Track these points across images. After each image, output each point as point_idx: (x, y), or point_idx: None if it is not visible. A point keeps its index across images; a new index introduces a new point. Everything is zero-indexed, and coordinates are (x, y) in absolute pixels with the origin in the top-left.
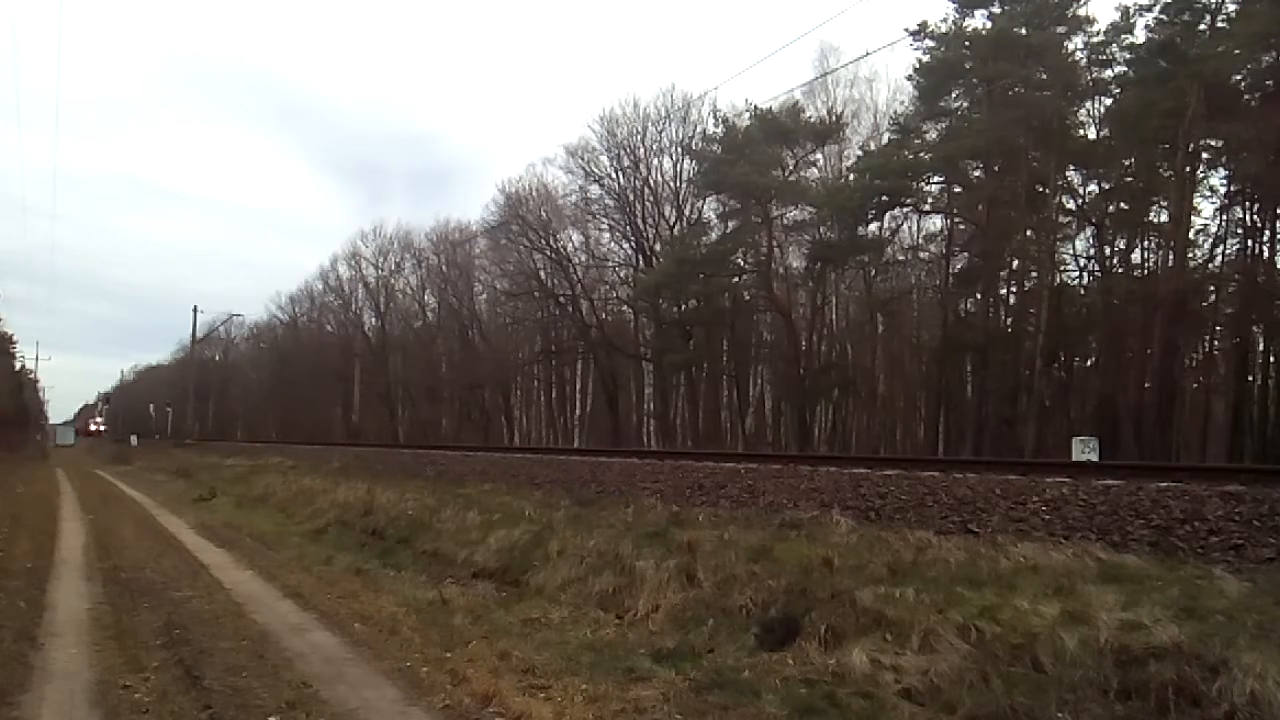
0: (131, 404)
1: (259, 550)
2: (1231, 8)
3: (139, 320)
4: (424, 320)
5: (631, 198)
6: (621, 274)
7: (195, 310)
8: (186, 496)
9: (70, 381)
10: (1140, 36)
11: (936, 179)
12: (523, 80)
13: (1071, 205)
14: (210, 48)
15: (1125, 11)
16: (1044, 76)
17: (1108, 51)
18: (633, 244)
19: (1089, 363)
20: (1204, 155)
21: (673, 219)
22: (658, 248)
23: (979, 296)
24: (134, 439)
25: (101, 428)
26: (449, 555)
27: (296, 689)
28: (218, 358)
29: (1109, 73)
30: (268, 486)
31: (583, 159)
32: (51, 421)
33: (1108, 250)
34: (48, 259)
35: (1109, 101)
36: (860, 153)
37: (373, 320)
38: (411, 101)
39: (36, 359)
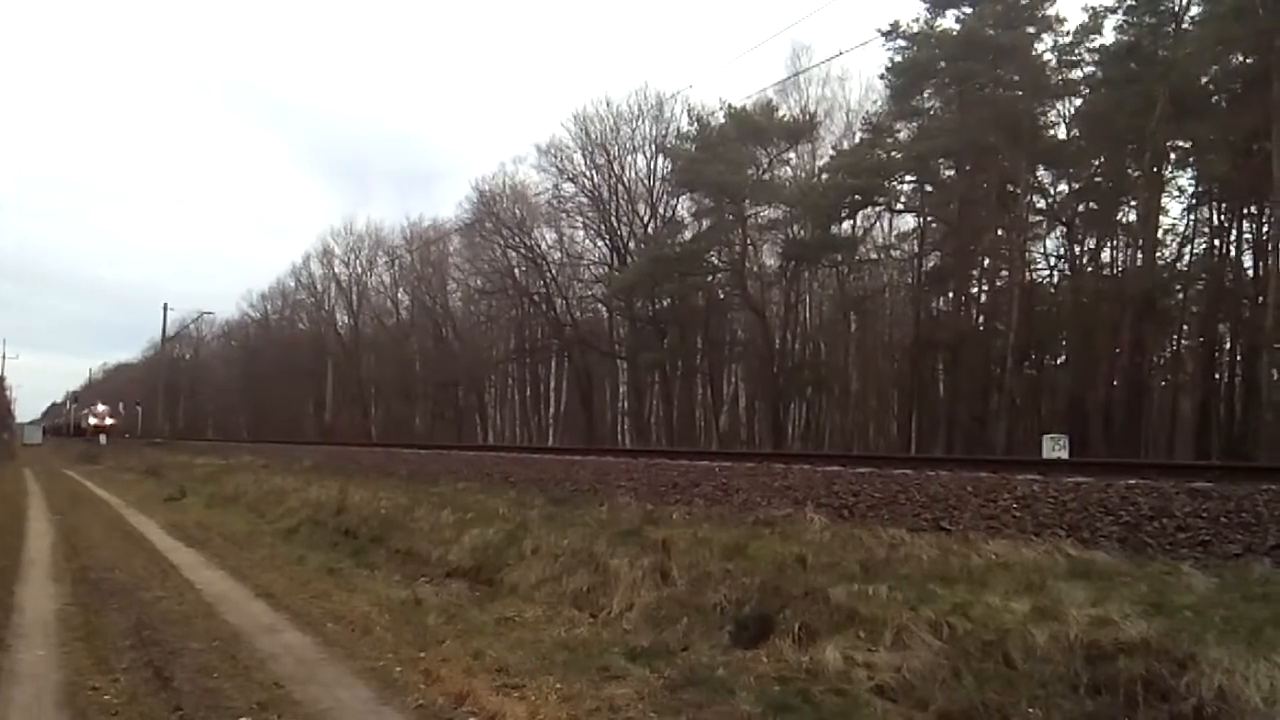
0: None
1: (230, 550)
2: (1195, 10)
3: (110, 318)
4: (397, 318)
5: (605, 195)
6: (596, 272)
7: (165, 308)
8: (156, 496)
9: (38, 380)
10: (1108, 38)
11: (908, 178)
12: (499, 79)
13: (1042, 204)
14: (193, 45)
15: (1093, 13)
16: (1015, 77)
17: (1076, 52)
18: (607, 242)
19: (1059, 361)
20: (1172, 155)
21: (647, 217)
22: (632, 246)
23: (951, 295)
24: (103, 438)
25: (108, 421)
26: (422, 554)
27: (268, 689)
28: (188, 356)
29: (1078, 73)
30: (239, 485)
31: (556, 157)
32: (19, 420)
33: (1078, 249)
34: (16, 256)
35: (1078, 102)
36: (833, 152)
37: (345, 318)
38: (394, 101)
39: (3, 357)
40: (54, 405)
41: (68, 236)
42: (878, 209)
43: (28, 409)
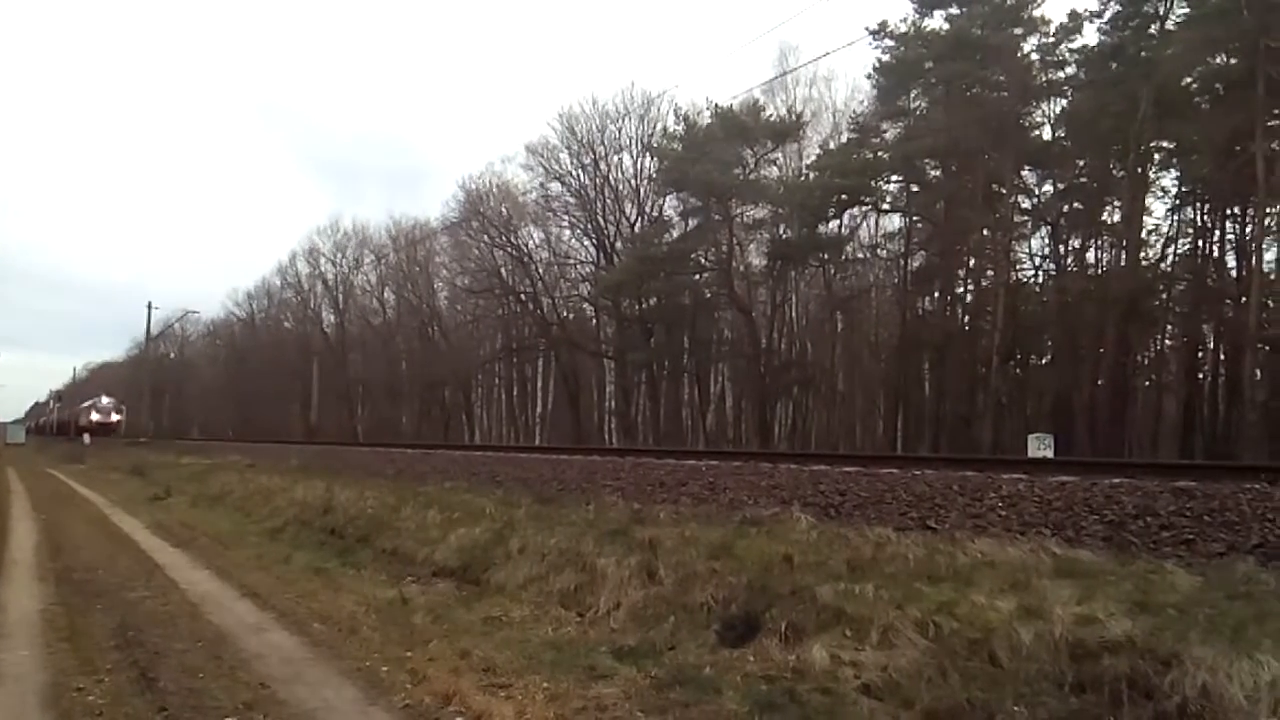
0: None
1: (215, 550)
2: (1180, 12)
3: (94, 317)
4: (383, 317)
5: (592, 195)
6: (582, 271)
7: (150, 306)
8: (141, 495)
9: (20, 379)
10: (1091, 39)
11: (895, 178)
12: (487, 79)
13: (1027, 205)
14: (183, 44)
15: (1074, 15)
16: (1000, 77)
17: (1059, 53)
18: (594, 241)
19: (1044, 360)
20: (1156, 156)
21: (634, 217)
22: (619, 245)
23: (936, 295)
24: (86, 437)
25: (114, 418)
26: (409, 554)
27: (254, 690)
28: (173, 355)
29: (1062, 74)
30: (224, 485)
31: (543, 156)
32: (1, 419)
33: (1062, 249)
34: None
35: (1063, 103)
36: (819, 151)
37: (331, 317)
38: (382, 101)
39: None
40: (37, 404)
41: (51, 234)
42: (864, 209)
43: (11, 408)
